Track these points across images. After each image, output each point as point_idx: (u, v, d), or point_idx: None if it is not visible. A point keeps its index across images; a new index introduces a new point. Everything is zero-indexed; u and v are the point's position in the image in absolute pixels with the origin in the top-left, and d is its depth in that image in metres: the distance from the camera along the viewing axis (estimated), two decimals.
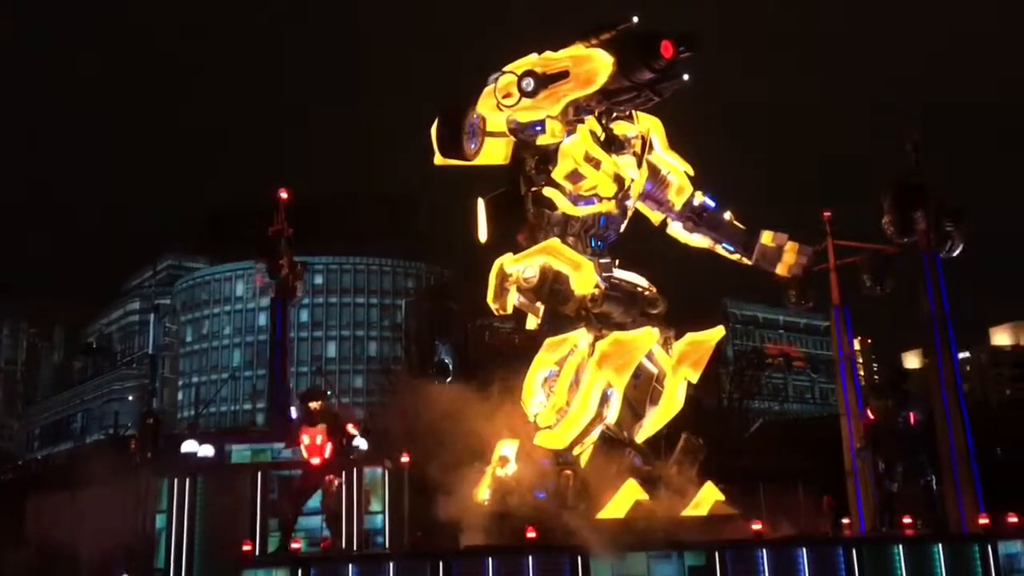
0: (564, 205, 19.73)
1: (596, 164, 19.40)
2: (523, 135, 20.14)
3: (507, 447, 19.44)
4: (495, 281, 19.91)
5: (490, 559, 14.89)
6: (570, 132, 19.75)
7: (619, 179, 19.79)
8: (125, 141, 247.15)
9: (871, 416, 23.22)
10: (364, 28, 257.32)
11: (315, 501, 18.48)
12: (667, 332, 20.87)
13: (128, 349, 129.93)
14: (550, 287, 19.09)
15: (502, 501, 18.46)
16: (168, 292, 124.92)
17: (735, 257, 21.26)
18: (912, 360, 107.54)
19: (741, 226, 21.61)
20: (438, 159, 20.63)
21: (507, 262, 19.71)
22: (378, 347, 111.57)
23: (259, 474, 18.68)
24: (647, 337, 19.15)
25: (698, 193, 21.41)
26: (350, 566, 14.78)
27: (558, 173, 19.51)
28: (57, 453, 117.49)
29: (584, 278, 19.06)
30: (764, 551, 16.15)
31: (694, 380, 21.16)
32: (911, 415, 22.57)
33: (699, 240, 21.65)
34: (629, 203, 20.92)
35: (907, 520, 21.05)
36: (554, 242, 19.63)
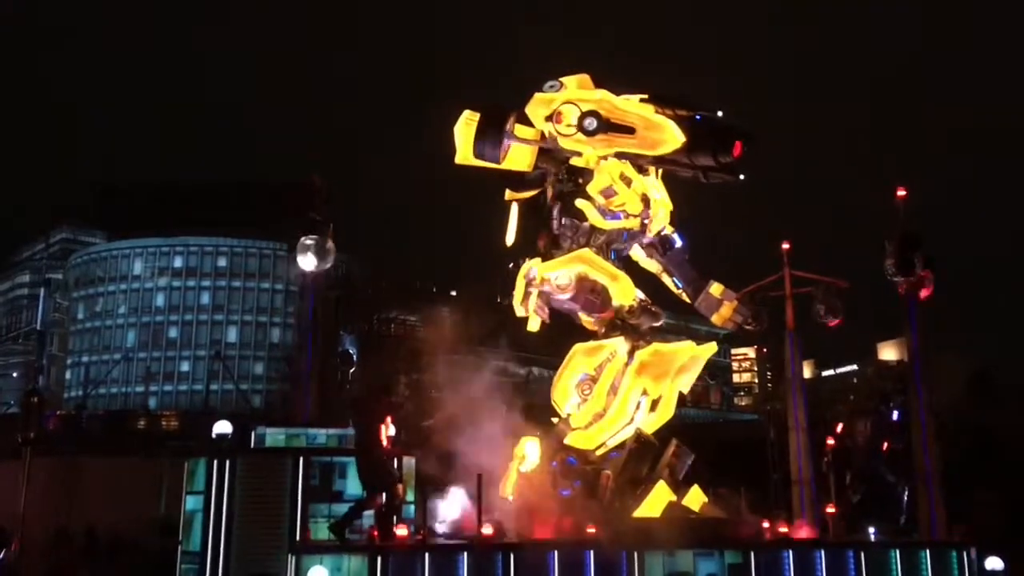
0: (594, 218, 20.57)
1: (628, 182, 20.38)
2: (558, 149, 20.82)
3: (529, 444, 20.28)
4: (522, 284, 20.58)
5: (555, 552, 15.83)
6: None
7: (645, 198, 20.85)
8: (9, 107, 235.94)
9: (856, 438, 25.20)
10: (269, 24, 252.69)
11: (355, 488, 18.90)
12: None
13: (15, 324, 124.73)
14: (586, 295, 19.91)
15: (526, 497, 19.29)
16: (60, 266, 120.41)
17: (678, 292, 22.30)
18: (804, 370, 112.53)
19: (692, 269, 22.76)
20: (463, 158, 20.95)
21: (541, 267, 20.38)
22: (281, 334, 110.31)
23: (300, 459, 18.79)
24: (688, 350, 20.28)
25: (669, 227, 22.41)
26: (425, 555, 15.48)
27: (593, 187, 20.36)
28: None
29: (624, 289, 20.10)
30: (790, 552, 17.56)
31: (686, 391, 22.52)
32: (885, 442, 24.65)
33: (650, 264, 22.61)
34: (647, 222, 22.03)
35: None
36: (587, 252, 20.51)
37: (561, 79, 20.82)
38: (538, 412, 23.94)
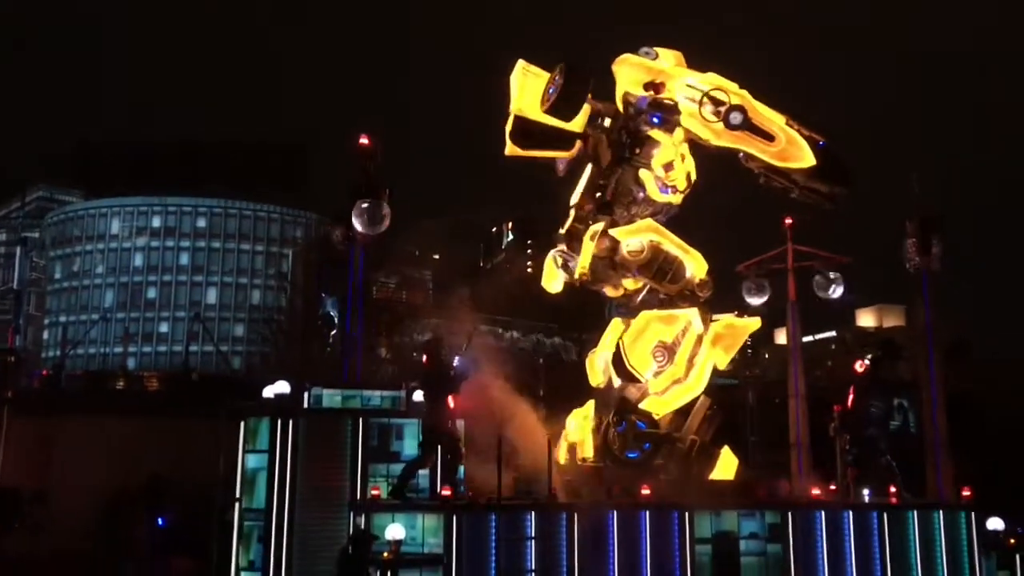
0: (652, 190, 20.94)
1: (683, 159, 20.98)
2: (639, 114, 20.79)
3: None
4: (590, 246, 20.83)
5: (614, 512, 17.01)
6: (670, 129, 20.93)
7: (689, 177, 21.49)
8: None
9: (848, 403, 26.46)
10: None
11: (411, 449, 19.88)
12: None
13: None
14: (659, 265, 20.44)
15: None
16: (37, 225, 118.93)
17: None
18: (779, 337, 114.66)
19: None
20: (518, 109, 20.57)
21: (618, 233, 20.70)
22: (261, 296, 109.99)
23: (360, 420, 19.68)
24: (754, 324, 21.22)
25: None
26: (492, 515, 16.55)
27: (657, 160, 20.76)
28: None
29: (699, 263, 20.71)
30: (822, 513, 18.95)
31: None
32: (863, 402, 25.98)
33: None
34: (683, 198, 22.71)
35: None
36: (654, 223, 20.93)
37: (655, 48, 20.91)
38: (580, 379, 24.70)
